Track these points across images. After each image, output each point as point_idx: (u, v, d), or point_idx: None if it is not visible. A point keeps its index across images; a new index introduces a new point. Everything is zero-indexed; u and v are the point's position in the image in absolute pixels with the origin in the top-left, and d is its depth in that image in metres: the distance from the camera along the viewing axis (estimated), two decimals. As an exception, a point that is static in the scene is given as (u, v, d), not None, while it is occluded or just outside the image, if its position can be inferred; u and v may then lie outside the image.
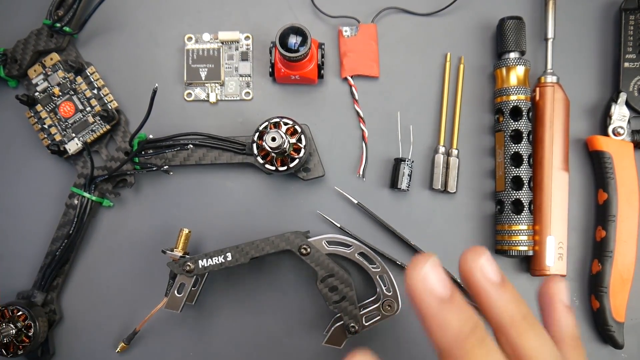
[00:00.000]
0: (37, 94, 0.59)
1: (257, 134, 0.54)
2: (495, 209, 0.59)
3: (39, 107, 0.59)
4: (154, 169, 0.57)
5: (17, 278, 0.59)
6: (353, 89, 0.60)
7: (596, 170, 0.58)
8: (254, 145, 0.54)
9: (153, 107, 0.52)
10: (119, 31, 0.61)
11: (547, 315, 0.35)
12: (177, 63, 0.61)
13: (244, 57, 0.60)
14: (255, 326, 0.59)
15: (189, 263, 0.52)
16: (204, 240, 0.59)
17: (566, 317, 0.34)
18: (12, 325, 0.54)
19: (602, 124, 0.59)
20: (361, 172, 0.59)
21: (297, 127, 0.54)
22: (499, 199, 0.57)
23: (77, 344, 0.59)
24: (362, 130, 0.59)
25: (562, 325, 0.34)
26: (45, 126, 0.59)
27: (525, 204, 0.56)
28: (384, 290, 0.54)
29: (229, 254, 0.52)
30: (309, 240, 0.53)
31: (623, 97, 0.57)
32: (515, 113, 0.56)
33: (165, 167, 0.57)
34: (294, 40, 0.54)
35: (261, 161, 0.54)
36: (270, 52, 0.58)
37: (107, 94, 0.59)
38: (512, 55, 0.57)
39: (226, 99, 0.60)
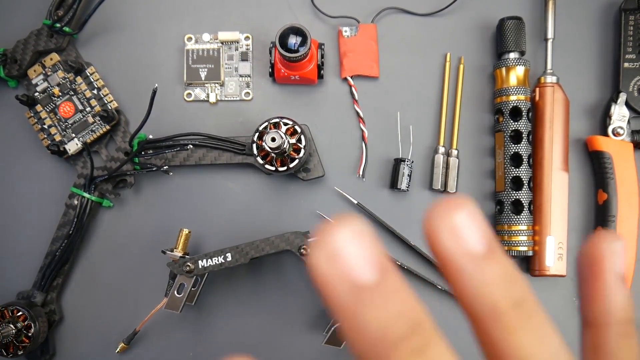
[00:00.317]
0: (37, 94, 0.59)
1: (257, 134, 0.54)
2: (495, 209, 0.59)
3: (38, 108, 0.59)
4: (154, 169, 0.57)
5: (17, 278, 0.59)
6: (353, 89, 0.60)
7: (596, 170, 0.58)
8: (254, 146, 0.54)
9: (153, 108, 0.52)
10: (119, 31, 0.61)
11: (589, 288, 0.23)
12: (177, 63, 0.61)
13: (244, 57, 0.60)
14: (255, 326, 0.59)
15: (188, 263, 0.52)
16: (204, 240, 0.59)
17: (617, 292, 0.22)
18: (12, 326, 0.54)
19: (602, 124, 0.59)
20: (361, 172, 0.59)
21: (297, 127, 0.54)
22: (499, 199, 0.57)
23: (77, 344, 0.59)
24: (362, 131, 0.59)
25: (611, 304, 0.22)
26: (45, 126, 0.59)
27: (525, 204, 0.56)
28: (384, 291, 0.54)
29: (228, 254, 0.52)
30: (309, 240, 0.53)
31: (623, 97, 0.57)
32: (515, 113, 0.56)
33: (165, 167, 0.57)
34: (293, 40, 0.54)
35: (261, 161, 0.54)
36: (270, 53, 0.58)
37: (107, 94, 0.59)
38: (512, 55, 0.57)
39: (226, 99, 0.60)
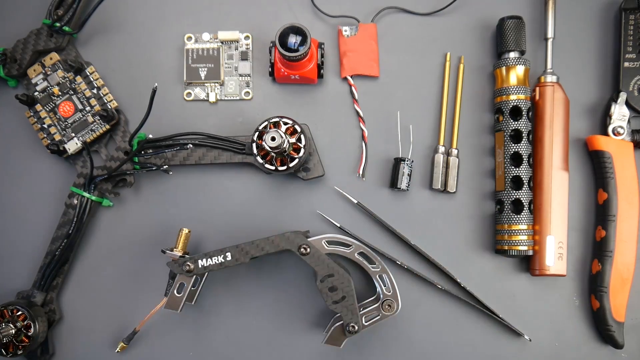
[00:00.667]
0: (36, 93, 0.59)
1: (257, 133, 0.54)
2: (495, 209, 0.59)
3: (38, 107, 0.58)
4: (154, 168, 0.57)
5: (17, 278, 0.59)
6: (353, 88, 0.60)
7: (596, 170, 0.58)
8: (254, 145, 0.54)
9: (153, 107, 0.52)
10: (119, 31, 0.61)
11: None
12: (176, 63, 0.61)
13: (244, 56, 0.60)
14: (255, 326, 0.59)
15: (188, 263, 0.52)
16: (204, 240, 0.59)
17: None
18: (11, 325, 0.54)
19: (602, 124, 0.59)
20: (361, 172, 0.59)
21: (296, 126, 0.54)
22: (499, 198, 0.57)
23: (76, 343, 0.59)
24: (362, 130, 0.59)
25: None
26: (45, 126, 0.59)
27: (525, 203, 0.56)
28: (384, 290, 0.54)
29: (228, 254, 0.52)
30: (309, 240, 0.53)
31: (623, 96, 0.57)
32: (515, 113, 0.56)
33: (164, 166, 0.57)
34: (293, 40, 0.54)
35: (261, 161, 0.54)
36: (270, 52, 0.58)
37: (107, 94, 0.59)
38: (512, 54, 0.57)
39: (226, 98, 0.60)
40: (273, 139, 0.51)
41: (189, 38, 0.60)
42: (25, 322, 0.55)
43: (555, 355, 0.58)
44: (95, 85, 0.59)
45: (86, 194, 0.57)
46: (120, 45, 0.61)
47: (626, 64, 0.58)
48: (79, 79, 0.59)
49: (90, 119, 0.58)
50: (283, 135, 0.52)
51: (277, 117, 0.54)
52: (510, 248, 0.56)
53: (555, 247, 0.55)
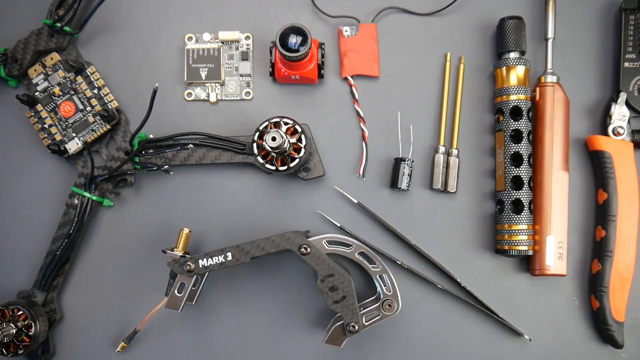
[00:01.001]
0: (37, 93, 0.59)
1: (257, 133, 0.54)
2: (495, 209, 0.59)
3: (39, 107, 0.59)
4: (154, 168, 0.57)
5: (18, 277, 0.59)
6: (353, 88, 0.60)
7: (596, 170, 0.58)
8: (254, 145, 0.54)
9: (153, 107, 0.52)
10: (119, 31, 0.61)
11: None
12: (177, 63, 0.61)
13: (244, 56, 0.60)
14: (255, 326, 0.59)
15: (189, 263, 0.52)
16: (205, 239, 0.59)
17: None
18: (12, 325, 0.54)
19: (602, 124, 0.59)
20: (361, 172, 0.59)
21: (297, 126, 0.54)
22: (499, 198, 0.57)
23: (77, 343, 0.59)
24: (362, 130, 0.59)
25: None
26: (46, 126, 0.59)
27: (525, 203, 0.56)
28: (384, 290, 0.54)
29: (229, 254, 0.52)
30: (309, 239, 0.53)
31: (623, 97, 0.57)
32: (516, 113, 0.56)
33: (165, 166, 0.57)
34: (294, 40, 0.55)
35: (261, 161, 0.54)
36: (271, 52, 0.58)
37: (108, 94, 0.59)
38: (512, 55, 0.57)
39: (226, 98, 0.60)
40: (274, 139, 0.51)
41: (190, 38, 0.60)
42: (26, 322, 0.55)
43: (555, 355, 0.58)
44: (96, 85, 0.59)
45: (87, 194, 0.57)
46: (121, 46, 0.61)
47: (626, 64, 0.58)
48: (79, 79, 0.59)
49: (91, 119, 0.59)
50: (284, 135, 0.52)
51: (278, 117, 0.54)
52: (510, 248, 0.56)
53: (555, 247, 0.56)
